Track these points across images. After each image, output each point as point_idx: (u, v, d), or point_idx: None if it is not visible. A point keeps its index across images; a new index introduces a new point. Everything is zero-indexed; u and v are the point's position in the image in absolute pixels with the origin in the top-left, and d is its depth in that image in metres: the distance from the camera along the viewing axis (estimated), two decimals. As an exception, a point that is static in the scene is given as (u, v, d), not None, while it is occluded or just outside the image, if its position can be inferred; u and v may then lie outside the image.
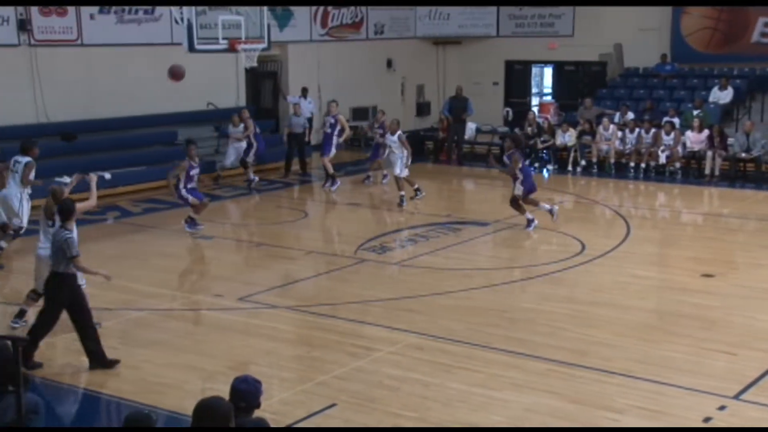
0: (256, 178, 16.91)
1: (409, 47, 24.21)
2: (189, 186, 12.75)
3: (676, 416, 6.97)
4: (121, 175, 16.31)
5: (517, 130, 20.42)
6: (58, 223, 8.53)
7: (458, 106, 20.19)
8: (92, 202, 9.00)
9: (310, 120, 21.32)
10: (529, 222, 13.28)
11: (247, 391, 4.77)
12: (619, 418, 6.96)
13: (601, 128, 18.79)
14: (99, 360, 7.90)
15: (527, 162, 13.57)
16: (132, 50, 17.57)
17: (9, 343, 5.89)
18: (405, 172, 15.10)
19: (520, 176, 13.25)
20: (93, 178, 9.10)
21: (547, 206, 13.54)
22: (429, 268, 11.45)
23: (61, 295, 7.82)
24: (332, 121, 16.66)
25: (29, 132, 16.14)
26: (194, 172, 12.58)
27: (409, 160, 15.18)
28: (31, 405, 5.81)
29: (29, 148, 11.62)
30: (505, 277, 10.93)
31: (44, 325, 7.95)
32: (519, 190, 13.23)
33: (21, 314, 8.95)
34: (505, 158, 13.78)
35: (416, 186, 15.28)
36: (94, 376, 7.89)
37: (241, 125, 17.09)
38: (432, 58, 24.96)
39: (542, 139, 19.41)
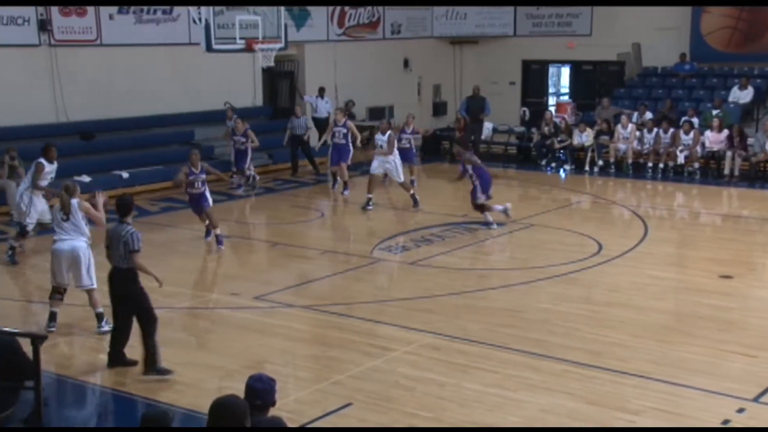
0: (257, 177, 16.96)
1: (425, 47, 24.19)
2: (189, 191, 12.60)
3: (694, 418, 6.92)
4: (139, 174, 16.44)
5: (534, 130, 20.41)
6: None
7: (475, 106, 20.14)
8: (101, 220, 9.01)
9: (326, 120, 21.39)
10: (488, 224, 13.35)
11: (262, 390, 4.78)
12: (635, 419, 6.93)
13: (619, 127, 18.70)
14: (119, 359, 7.96)
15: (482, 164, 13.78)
16: (150, 50, 17.68)
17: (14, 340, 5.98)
18: (401, 177, 15.07)
19: (477, 181, 13.32)
20: (100, 199, 9.00)
21: (500, 207, 13.63)
22: (445, 268, 11.44)
23: (132, 289, 7.74)
24: (344, 131, 16.08)
25: (48, 131, 16.32)
26: (192, 177, 12.45)
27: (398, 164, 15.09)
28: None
29: (46, 149, 11.72)
30: (521, 277, 10.90)
31: (124, 328, 7.89)
32: (481, 198, 13.38)
33: (52, 317, 8.96)
34: (460, 167, 13.91)
35: (371, 195, 14.93)
36: (112, 374, 7.95)
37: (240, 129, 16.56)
38: (449, 57, 24.93)
39: (559, 138, 19.35)
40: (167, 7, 17.83)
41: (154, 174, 16.72)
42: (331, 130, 16.24)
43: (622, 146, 18.55)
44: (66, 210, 8.82)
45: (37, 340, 5.56)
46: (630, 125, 18.65)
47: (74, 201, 8.94)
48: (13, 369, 5.88)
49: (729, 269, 11.12)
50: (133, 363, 7.90)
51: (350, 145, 16.17)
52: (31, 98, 16.02)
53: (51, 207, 10.55)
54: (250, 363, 8.08)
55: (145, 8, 17.57)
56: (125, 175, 16.13)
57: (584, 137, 19.02)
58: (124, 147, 17.28)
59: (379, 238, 12.84)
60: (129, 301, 7.76)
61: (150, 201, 15.69)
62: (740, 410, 7.06)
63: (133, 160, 16.96)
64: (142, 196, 15.73)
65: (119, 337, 7.91)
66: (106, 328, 8.64)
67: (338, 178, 16.53)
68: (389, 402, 7.25)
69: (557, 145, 19.32)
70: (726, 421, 6.88)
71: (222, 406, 4.25)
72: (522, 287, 10.53)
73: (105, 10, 16.97)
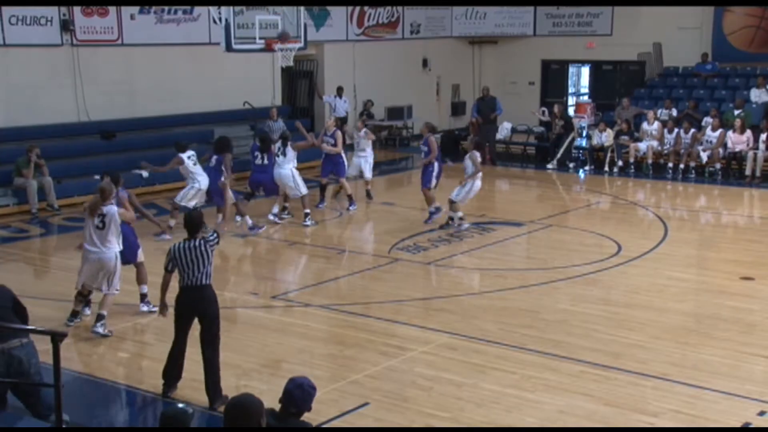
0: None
1: (444, 47, 24.16)
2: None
3: (714, 421, 6.86)
4: (159, 174, 16.50)
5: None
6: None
7: (486, 107, 20.04)
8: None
9: (344, 119, 21.38)
10: (431, 215, 13.52)
11: (299, 398, 4.71)
12: (654, 421, 6.88)
13: (645, 124, 18.57)
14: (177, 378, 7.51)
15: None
16: (171, 50, 17.79)
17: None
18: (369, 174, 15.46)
19: (436, 166, 13.46)
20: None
21: (433, 208, 13.57)
22: (463, 268, 11.42)
23: (215, 308, 7.31)
24: (332, 141, 14.87)
25: (70, 131, 16.46)
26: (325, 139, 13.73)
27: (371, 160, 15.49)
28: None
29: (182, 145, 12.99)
30: (539, 277, 10.85)
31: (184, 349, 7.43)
32: (432, 183, 13.53)
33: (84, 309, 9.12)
34: (421, 145, 13.97)
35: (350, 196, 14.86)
36: (132, 372, 8.00)
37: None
38: (468, 57, 24.88)
39: (570, 137, 19.20)
40: (188, 7, 17.93)
41: (173, 174, 16.77)
42: (321, 139, 14.88)
43: (642, 146, 18.42)
44: (100, 216, 8.66)
45: (56, 337, 5.59)
46: (656, 122, 18.51)
47: (113, 209, 8.79)
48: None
49: (750, 271, 11.01)
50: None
51: (343, 155, 15.02)
52: (53, 98, 16.17)
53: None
54: (268, 362, 8.11)
55: (166, 8, 17.68)
56: (145, 174, 16.18)
57: (604, 137, 18.92)
58: (144, 146, 17.36)
59: (396, 237, 12.82)
60: (207, 320, 7.23)
61: (169, 200, 15.72)
62: (762, 413, 6.99)
63: (154, 160, 17.00)
64: (162, 195, 15.82)
65: (181, 357, 7.43)
66: (101, 330, 8.69)
67: (324, 194, 15.21)
68: (406, 402, 7.25)
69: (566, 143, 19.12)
70: (747, 424, 6.82)
71: (238, 405, 4.24)
72: (540, 288, 10.48)
73: (126, 11, 17.10)
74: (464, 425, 6.85)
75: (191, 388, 7.42)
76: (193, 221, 7.40)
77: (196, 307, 7.24)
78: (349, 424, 6.89)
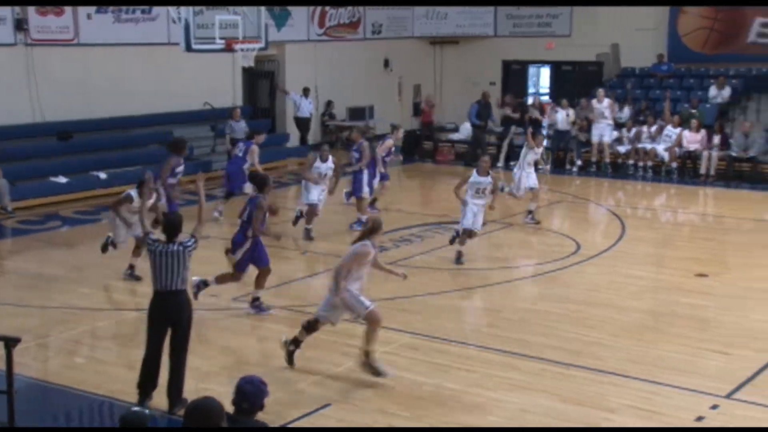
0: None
1: (406, 47, 24.21)
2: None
3: (670, 416, 6.99)
4: (117, 175, 16.31)
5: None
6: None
7: (485, 112, 20.15)
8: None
9: (308, 120, 21.36)
10: (360, 220, 13.02)
11: (251, 393, 4.72)
12: (613, 417, 6.98)
13: (594, 101, 18.78)
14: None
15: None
16: (129, 50, 17.56)
17: None
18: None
19: (366, 174, 13.19)
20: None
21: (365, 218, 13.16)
22: (424, 267, 11.45)
23: (189, 313, 7.16)
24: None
25: (25, 132, 16.16)
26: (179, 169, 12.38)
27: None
28: None
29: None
30: (500, 277, 10.93)
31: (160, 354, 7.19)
32: (364, 190, 13.18)
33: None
34: (353, 151, 13.46)
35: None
36: (88, 376, 7.89)
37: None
38: (429, 57, 24.96)
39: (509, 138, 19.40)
40: (146, 7, 17.73)
41: (132, 175, 16.60)
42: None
43: (595, 137, 18.58)
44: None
45: (10, 342, 5.50)
46: (606, 99, 18.73)
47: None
48: None
49: (705, 268, 11.22)
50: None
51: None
52: (7, 98, 15.85)
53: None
54: (228, 365, 8.05)
55: (124, 8, 17.46)
56: (103, 175, 16.01)
57: (566, 117, 18.95)
58: (101, 147, 17.14)
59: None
60: (180, 328, 7.06)
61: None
62: (714, 407, 7.15)
63: (111, 161, 16.83)
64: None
65: (158, 364, 7.17)
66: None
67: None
68: (368, 402, 7.25)
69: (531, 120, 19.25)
70: (700, 418, 6.95)
71: (198, 408, 4.21)
72: (502, 287, 10.56)
73: (83, 10, 16.83)
74: (426, 425, 6.87)
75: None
76: (172, 224, 7.25)
77: (171, 313, 7.07)
78: (310, 424, 6.88)
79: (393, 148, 14.47)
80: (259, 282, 9.52)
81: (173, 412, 6.94)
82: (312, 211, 12.88)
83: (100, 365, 8.27)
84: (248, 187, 12.40)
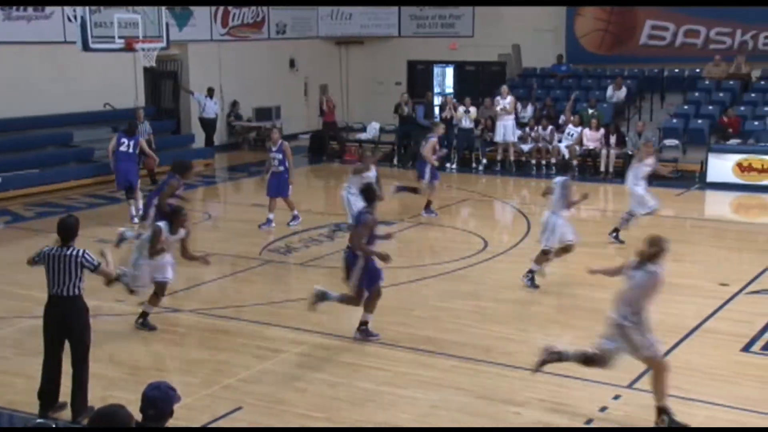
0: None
1: (312, 47, 24.16)
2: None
3: (576, 407, 7.21)
4: (13, 179, 15.72)
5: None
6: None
7: (430, 112, 20.39)
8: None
9: (213, 121, 21.04)
10: (295, 217, 13.46)
11: (158, 399, 4.56)
12: (522, 411, 7.14)
13: (498, 98, 19.18)
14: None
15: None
16: (24, 48, 16.91)
17: None
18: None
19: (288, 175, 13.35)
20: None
21: (272, 216, 13.37)
22: (334, 267, 11.41)
23: (84, 319, 6.97)
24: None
25: None
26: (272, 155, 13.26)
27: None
28: None
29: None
30: (410, 275, 11.03)
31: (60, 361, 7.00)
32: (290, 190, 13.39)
33: None
34: (275, 152, 13.30)
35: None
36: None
37: None
38: (335, 57, 24.97)
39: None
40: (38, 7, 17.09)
41: (29, 178, 16.01)
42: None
43: (499, 137, 18.92)
44: None
45: None
46: (509, 97, 19.13)
47: None
48: None
49: (605, 262, 11.53)
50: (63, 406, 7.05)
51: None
52: None
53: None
54: (136, 371, 7.87)
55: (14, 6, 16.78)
56: (-2, 178, 15.39)
57: (469, 114, 19.27)
58: (-3, 150, 16.48)
59: (268, 239, 12.71)
60: (75, 336, 6.86)
61: (25, 206, 15.00)
62: (616, 397, 7.40)
63: (7, 163, 16.17)
64: (18, 201, 15.05)
65: (56, 371, 6.98)
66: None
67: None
68: (281, 404, 7.20)
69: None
70: (604, 408, 7.19)
71: (104, 416, 4.09)
72: (411, 285, 10.66)
73: (-29, 7, 16.13)
74: (339, 425, 6.88)
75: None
76: (66, 227, 7.01)
77: (64, 320, 6.86)
78: (224, 426, 6.77)
79: (437, 146, 14.41)
80: (369, 305, 8.76)
81: (78, 421, 6.72)
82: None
83: (-2, 377, 7.94)
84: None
